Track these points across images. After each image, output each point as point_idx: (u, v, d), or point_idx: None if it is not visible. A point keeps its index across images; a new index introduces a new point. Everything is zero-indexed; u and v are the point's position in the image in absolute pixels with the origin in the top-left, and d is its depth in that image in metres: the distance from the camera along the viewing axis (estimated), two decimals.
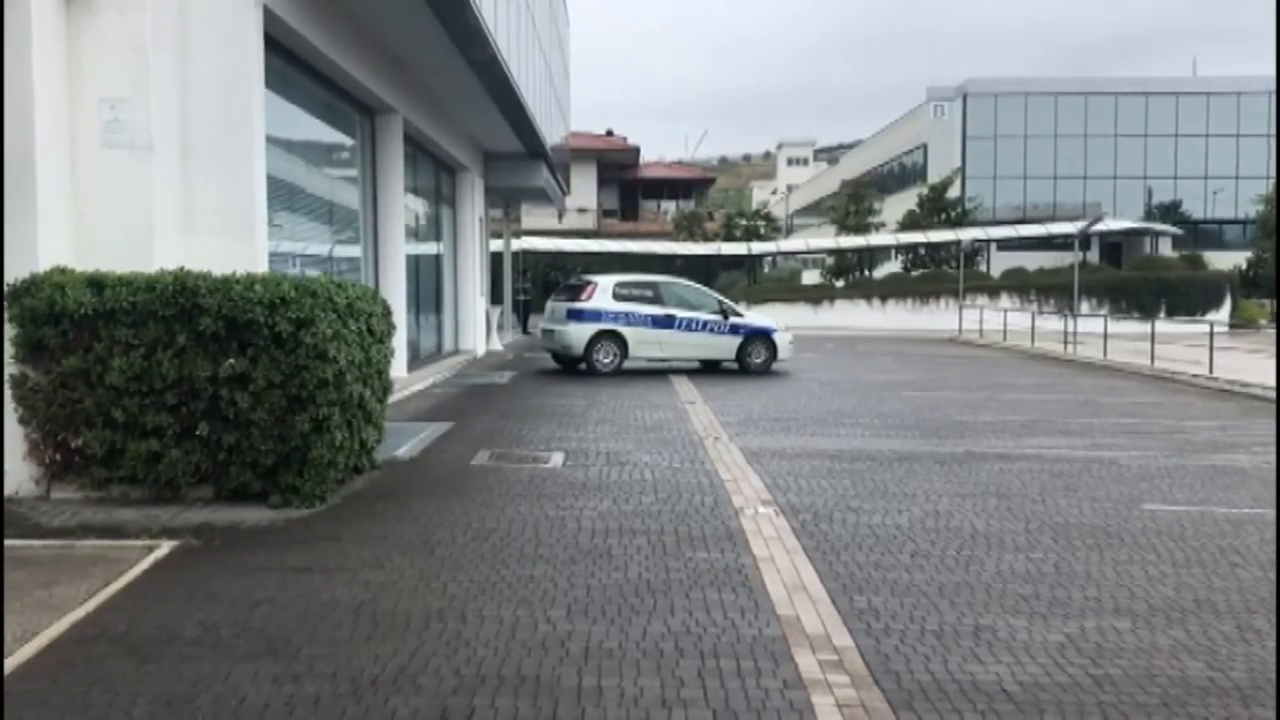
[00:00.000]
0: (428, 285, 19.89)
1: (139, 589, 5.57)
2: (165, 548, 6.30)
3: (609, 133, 61.88)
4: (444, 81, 15.70)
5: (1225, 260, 47.54)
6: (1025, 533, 7.19)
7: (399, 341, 13.29)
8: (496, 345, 24.90)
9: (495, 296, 29.72)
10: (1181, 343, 21.80)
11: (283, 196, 11.41)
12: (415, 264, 17.90)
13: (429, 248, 20.10)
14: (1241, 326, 32.90)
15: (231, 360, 7.19)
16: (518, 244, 35.73)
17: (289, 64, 11.37)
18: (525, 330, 32.45)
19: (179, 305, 7.20)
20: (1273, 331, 19.69)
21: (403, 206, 15.80)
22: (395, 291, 14.96)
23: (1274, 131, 52.33)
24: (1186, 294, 39.47)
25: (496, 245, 30.90)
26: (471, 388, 16.35)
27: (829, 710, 4.14)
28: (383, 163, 15.31)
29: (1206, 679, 4.58)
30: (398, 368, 13.38)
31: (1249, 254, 48.13)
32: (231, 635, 4.86)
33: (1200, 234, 52.02)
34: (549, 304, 20.35)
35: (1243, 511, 8.05)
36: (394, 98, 14.64)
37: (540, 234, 44.41)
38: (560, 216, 40.20)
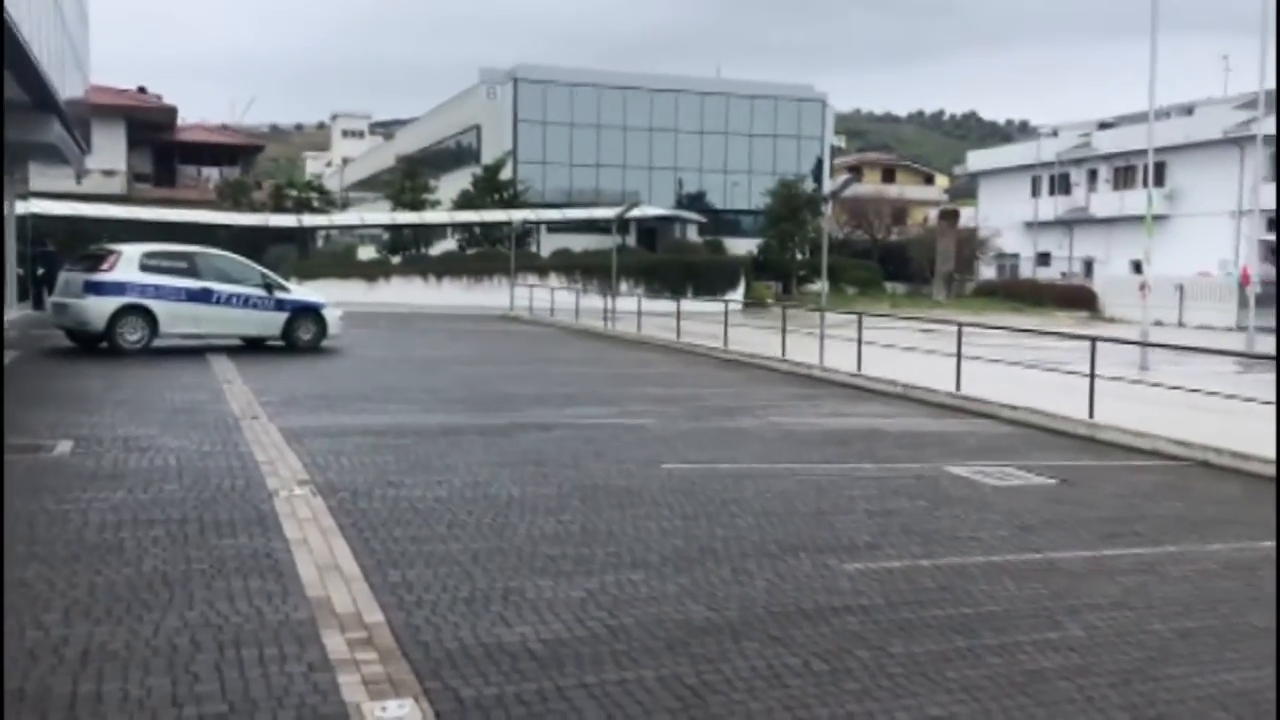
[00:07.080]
0: None
1: None
2: None
3: (141, 90, 56.15)
4: None
5: (741, 246, 53.21)
6: (557, 497, 7.57)
7: None
8: None
9: None
10: (703, 319, 24.08)
11: None
12: None
13: None
14: (753, 305, 37.01)
15: None
16: (25, 207, 31.40)
17: None
18: (38, 305, 28.72)
19: None
20: (779, 310, 22.33)
21: None
22: None
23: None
24: (709, 276, 43.72)
25: None
26: None
27: (354, 688, 4.08)
28: None
29: (706, 619, 5.10)
30: None
31: (759, 241, 54.14)
32: None
33: (720, 222, 57.56)
34: (62, 275, 18.19)
35: (743, 467, 9.07)
36: None
37: (56, 197, 39.34)
38: (79, 178, 35.92)
